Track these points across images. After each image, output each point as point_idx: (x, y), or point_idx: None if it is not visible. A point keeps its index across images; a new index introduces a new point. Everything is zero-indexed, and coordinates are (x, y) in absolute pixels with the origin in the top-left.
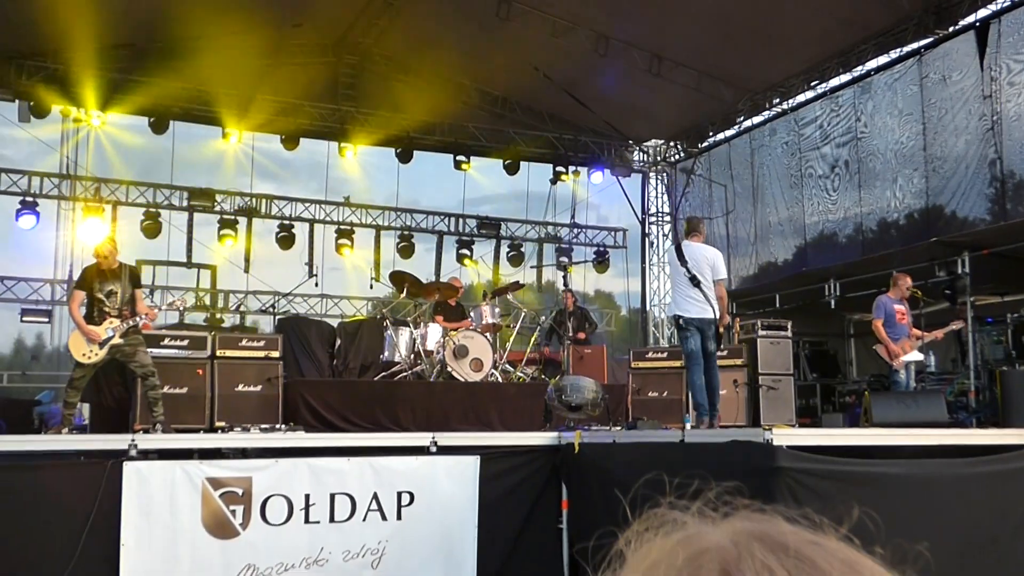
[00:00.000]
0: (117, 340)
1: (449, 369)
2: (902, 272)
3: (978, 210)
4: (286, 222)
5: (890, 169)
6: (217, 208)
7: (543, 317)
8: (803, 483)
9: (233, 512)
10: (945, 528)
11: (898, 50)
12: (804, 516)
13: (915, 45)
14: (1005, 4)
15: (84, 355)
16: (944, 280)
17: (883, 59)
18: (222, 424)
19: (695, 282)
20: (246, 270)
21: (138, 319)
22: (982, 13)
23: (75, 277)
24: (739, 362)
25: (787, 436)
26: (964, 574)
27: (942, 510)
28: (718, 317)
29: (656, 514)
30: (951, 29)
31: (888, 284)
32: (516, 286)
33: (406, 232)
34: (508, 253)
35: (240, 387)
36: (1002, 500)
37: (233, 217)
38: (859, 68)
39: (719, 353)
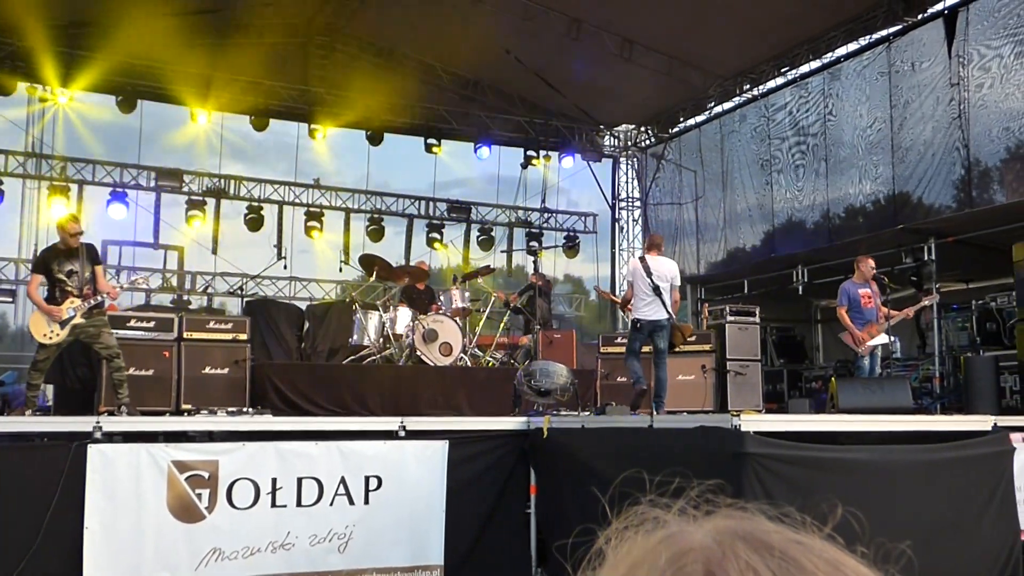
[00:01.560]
0: (79, 320)
1: (418, 353)
2: (865, 255)
3: (944, 197)
4: (255, 203)
5: (858, 156)
6: (185, 189)
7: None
8: (770, 468)
9: (199, 496)
10: (910, 514)
11: (867, 37)
12: (786, 515)
13: (884, 32)
14: None
15: (45, 335)
16: (910, 266)
17: (852, 46)
18: (188, 407)
19: (657, 291)
20: (214, 251)
21: (100, 298)
22: (950, 0)
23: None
24: (707, 347)
25: (754, 422)
26: (928, 560)
27: (907, 496)
28: (672, 318)
29: (636, 511)
30: (920, 16)
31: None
32: (487, 270)
33: (376, 215)
34: (478, 237)
35: (207, 369)
36: (965, 486)
37: (201, 198)
38: (828, 55)
39: (688, 339)
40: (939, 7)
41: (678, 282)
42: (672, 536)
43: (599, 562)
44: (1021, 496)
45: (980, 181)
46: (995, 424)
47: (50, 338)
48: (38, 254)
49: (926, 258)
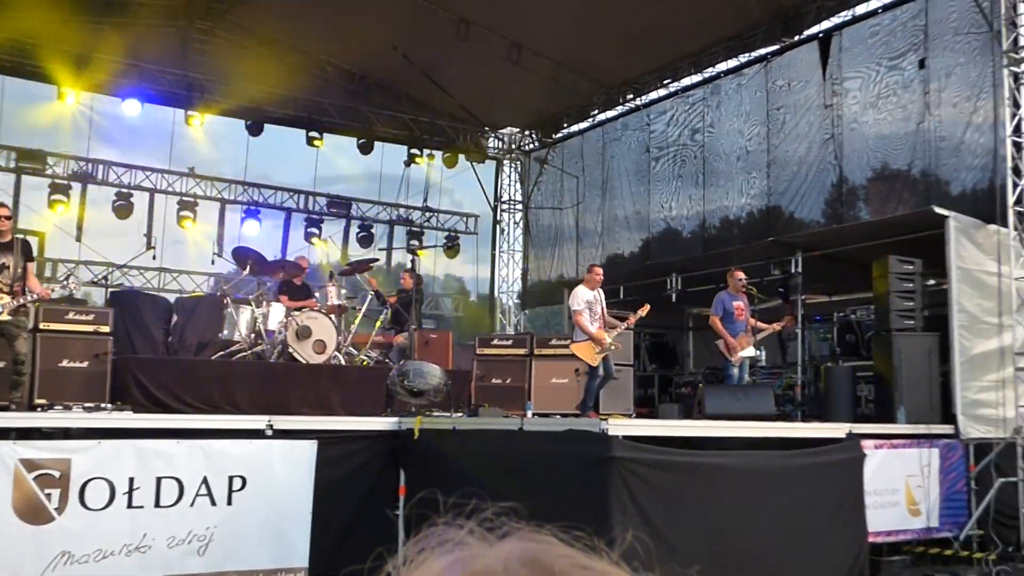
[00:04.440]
0: (5, 317)
1: (291, 350)
2: (737, 268)
3: (815, 213)
4: (124, 190)
5: (735, 169)
6: (49, 171)
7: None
8: (636, 472)
9: (48, 496)
10: (767, 517)
11: (747, 55)
12: (580, 539)
13: (763, 51)
14: (847, 18)
15: None
16: (778, 278)
17: (732, 62)
18: (42, 401)
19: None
20: (78, 239)
21: (32, 296)
22: (826, 25)
23: None
24: None
25: (622, 426)
26: (783, 562)
27: (765, 500)
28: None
29: (433, 532)
30: (796, 38)
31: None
32: (368, 264)
33: (253, 207)
34: (358, 234)
35: (65, 363)
36: (818, 491)
37: (66, 182)
38: (709, 70)
39: (562, 343)
40: (815, 30)
41: (572, 306)
42: (460, 560)
43: None
44: (870, 501)
45: (848, 199)
46: (850, 432)
47: None
48: None
49: (793, 271)
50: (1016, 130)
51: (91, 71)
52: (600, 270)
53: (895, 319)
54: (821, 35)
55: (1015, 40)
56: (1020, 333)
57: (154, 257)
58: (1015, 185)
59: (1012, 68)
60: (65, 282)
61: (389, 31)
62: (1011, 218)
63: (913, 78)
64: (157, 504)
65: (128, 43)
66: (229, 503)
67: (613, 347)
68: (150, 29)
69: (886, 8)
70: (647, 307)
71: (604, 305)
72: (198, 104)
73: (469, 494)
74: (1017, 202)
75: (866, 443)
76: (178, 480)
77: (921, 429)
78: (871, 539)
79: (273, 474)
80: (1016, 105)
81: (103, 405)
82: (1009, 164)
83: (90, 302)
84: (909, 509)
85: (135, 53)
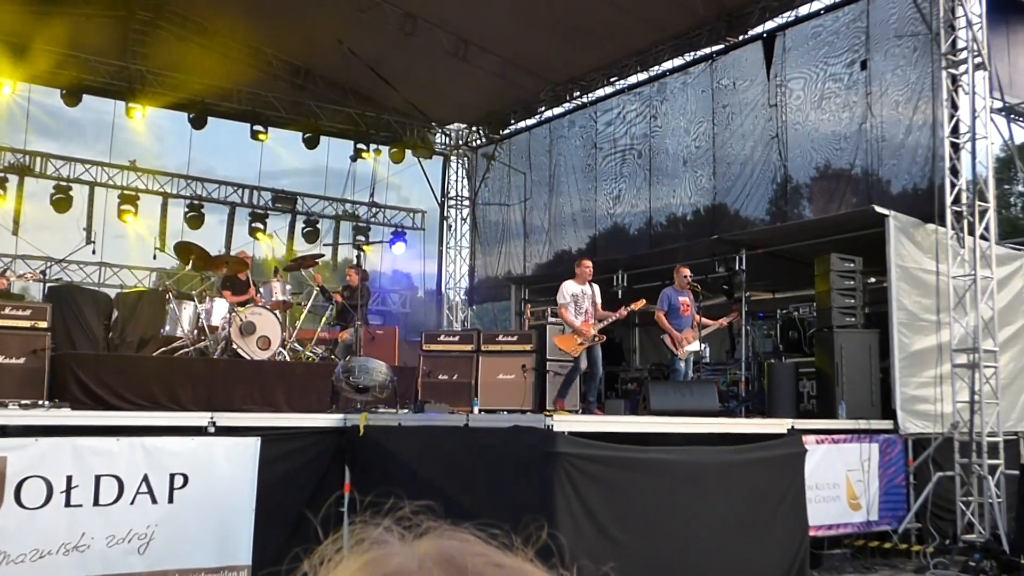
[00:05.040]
0: None
1: (234, 346)
2: (683, 264)
3: (759, 211)
4: (63, 183)
5: (681, 167)
6: None
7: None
8: (580, 468)
9: None
10: (711, 512)
11: (692, 53)
12: (496, 537)
13: (708, 50)
14: (790, 18)
15: None
16: (723, 276)
17: (678, 61)
18: None
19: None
20: (15, 232)
21: None
22: (770, 25)
23: None
24: (528, 347)
25: (567, 422)
26: (726, 556)
27: (709, 495)
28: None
29: (353, 531)
30: (741, 37)
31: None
32: (313, 260)
33: (196, 201)
34: (304, 229)
35: (0, 359)
36: (761, 485)
37: (2, 174)
38: (656, 68)
39: (509, 339)
40: (759, 30)
41: (558, 300)
42: (376, 559)
43: None
44: (812, 495)
45: (792, 197)
46: (791, 427)
47: None
48: None
49: (737, 268)
50: (954, 131)
51: (28, 61)
52: (589, 263)
53: (836, 316)
54: (765, 35)
55: (953, 43)
56: (957, 330)
57: (94, 251)
58: (952, 185)
59: (950, 70)
60: (22, 274)
61: (335, 24)
62: (949, 217)
63: (855, 79)
64: (96, 502)
65: (67, 33)
66: (170, 501)
67: (596, 339)
68: (90, 19)
69: (828, 9)
70: (642, 301)
71: (596, 299)
72: (140, 96)
73: (415, 491)
74: (955, 202)
75: (808, 438)
76: (118, 478)
77: (861, 424)
78: (812, 532)
79: (216, 471)
80: (954, 107)
81: (40, 402)
82: (947, 164)
83: (27, 297)
84: (849, 503)
85: (74, 43)
